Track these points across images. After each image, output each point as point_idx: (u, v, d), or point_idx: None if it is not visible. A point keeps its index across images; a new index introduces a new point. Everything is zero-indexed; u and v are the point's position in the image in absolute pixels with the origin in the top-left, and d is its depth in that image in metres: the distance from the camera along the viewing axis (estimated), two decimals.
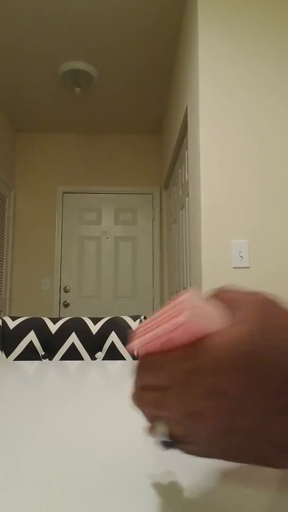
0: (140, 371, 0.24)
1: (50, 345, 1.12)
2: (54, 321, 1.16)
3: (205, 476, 0.28)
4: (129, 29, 2.61)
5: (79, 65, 2.96)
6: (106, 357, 1.10)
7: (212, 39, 1.98)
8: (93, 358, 1.12)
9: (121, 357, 1.07)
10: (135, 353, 0.24)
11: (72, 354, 1.11)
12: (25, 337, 1.12)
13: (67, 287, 3.92)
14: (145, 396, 0.23)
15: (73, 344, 1.12)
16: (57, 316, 3.86)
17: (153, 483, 0.27)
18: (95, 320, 1.17)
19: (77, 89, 3.13)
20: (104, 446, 0.34)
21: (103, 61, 2.95)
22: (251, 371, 0.20)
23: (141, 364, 0.24)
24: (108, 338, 1.12)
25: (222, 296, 0.25)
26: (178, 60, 2.74)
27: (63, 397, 0.53)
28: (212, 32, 1.98)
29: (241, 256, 1.83)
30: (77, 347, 1.11)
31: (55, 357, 1.11)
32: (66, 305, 3.89)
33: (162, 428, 0.24)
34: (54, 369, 0.78)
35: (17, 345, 1.11)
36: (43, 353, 1.12)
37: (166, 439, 0.24)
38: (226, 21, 1.99)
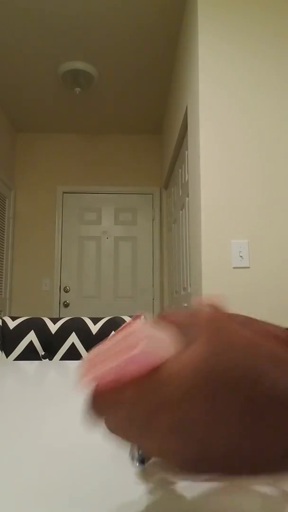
0: (96, 414, 0.21)
1: (50, 345, 1.12)
2: (54, 321, 1.16)
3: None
4: (129, 29, 2.61)
5: (79, 65, 2.97)
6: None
7: (212, 39, 1.98)
8: None
9: None
10: (87, 392, 0.21)
11: (72, 354, 1.11)
12: (25, 337, 1.12)
13: (67, 287, 3.92)
14: (108, 433, 0.22)
15: (73, 344, 1.12)
16: (57, 316, 3.86)
17: (154, 482, 0.27)
18: (95, 320, 1.17)
19: (77, 89, 3.13)
20: (104, 446, 0.34)
21: (103, 61, 2.95)
22: (210, 396, 0.19)
23: (95, 406, 0.21)
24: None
25: (169, 319, 0.23)
26: (178, 60, 2.74)
27: (63, 397, 0.53)
28: (212, 32, 1.98)
29: (241, 256, 1.83)
30: (77, 347, 1.11)
31: (55, 357, 1.11)
32: (66, 305, 3.89)
33: (135, 452, 0.22)
34: (54, 369, 0.78)
35: (17, 345, 1.11)
36: (43, 353, 1.12)
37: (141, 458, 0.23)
38: (226, 21, 1.99)
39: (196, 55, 2.04)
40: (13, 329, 1.13)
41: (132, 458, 0.26)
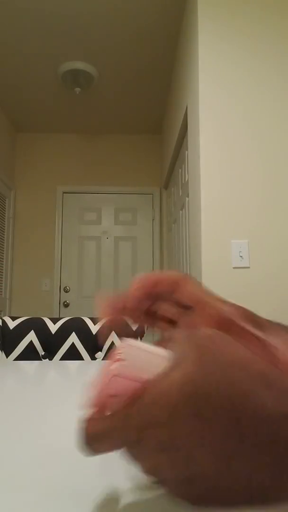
0: (90, 450, 0.22)
1: (50, 345, 1.12)
2: (54, 321, 1.16)
3: None
4: (129, 29, 2.61)
5: (79, 65, 2.96)
6: (106, 357, 1.10)
7: (212, 39, 1.98)
8: (93, 358, 1.12)
9: None
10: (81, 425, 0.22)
11: (72, 354, 1.11)
12: (25, 337, 1.12)
13: (67, 287, 3.92)
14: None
15: (73, 344, 1.12)
16: (57, 316, 3.86)
17: (154, 482, 0.27)
18: (95, 320, 1.17)
19: (77, 89, 3.13)
20: None
21: (103, 61, 2.95)
22: (195, 415, 0.19)
23: (88, 440, 0.21)
24: (108, 338, 1.12)
25: (174, 336, 0.24)
26: (178, 60, 2.74)
27: (63, 397, 0.53)
28: (212, 32, 1.98)
29: (241, 256, 1.83)
30: (77, 347, 1.11)
31: (55, 357, 1.11)
32: (66, 305, 3.89)
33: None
34: (54, 369, 0.78)
35: (17, 345, 1.11)
36: (43, 353, 1.12)
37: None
38: (226, 21, 1.99)
39: (196, 55, 2.04)
40: (13, 329, 1.13)
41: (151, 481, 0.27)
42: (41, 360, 1.10)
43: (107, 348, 1.11)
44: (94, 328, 1.15)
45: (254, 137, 1.92)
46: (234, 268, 1.83)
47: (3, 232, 3.78)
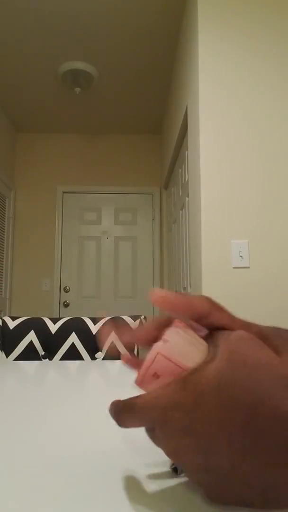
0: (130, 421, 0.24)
1: (50, 345, 1.12)
2: (54, 321, 1.16)
3: None
4: (129, 29, 2.61)
5: (79, 65, 2.96)
6: (106, 357, 1.10)
7: (212, 39, 1.98)
8: (93, 358, 1.12)
9: None
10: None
11: (72, 354, 1.11)
12: (25, 337, 1.12)
13: (67, 287, 3.92)
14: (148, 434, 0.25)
15: (73, 344, 1.12)
16: (57, 316, 3.86)
17: (154, 482, 0.27)
18: (95, 320, 1.17)
19: (77, 89, 3.13)
20: (104, 445, 0.34)
21: (103, 61, 2.95)
22: (217, 408, 0.21)
23: (127, 416, 0.24)
24: (108, 338, 1.12)
25: (212, 335, 0.26)
26: (178, 60, 2.74)
27: (63, 397, 0.53)
28: (212, 32, 1.98)
29: (241, 256, 1.83)
30: (77, 347, 1.11)
31: (55, 357, 1.11)
32: (66, 305, 3.89)
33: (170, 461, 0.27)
34: (54, 369, 0.78)
35: (17, 345, 1.11)
36: (43, 353, 1.12)
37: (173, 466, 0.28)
38: (226, 21, 1.99)
39: (196, 55, 2.04)
40: (13, 329, 1.13)
41: (170, 466, 0.29)
42: (41, 360, 1.10)
43: (107, 348, 1.11)
44: (94, 328, 1.15)
45: (254, 137, 1.92)
46: (234, 268, 1.83)
47: (3, 232, 3.78)
